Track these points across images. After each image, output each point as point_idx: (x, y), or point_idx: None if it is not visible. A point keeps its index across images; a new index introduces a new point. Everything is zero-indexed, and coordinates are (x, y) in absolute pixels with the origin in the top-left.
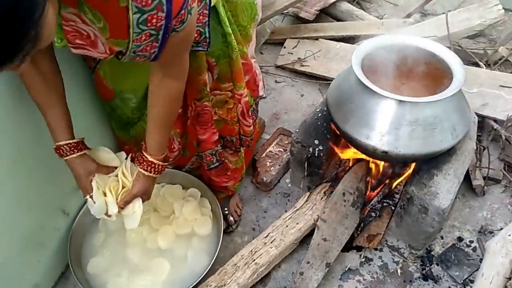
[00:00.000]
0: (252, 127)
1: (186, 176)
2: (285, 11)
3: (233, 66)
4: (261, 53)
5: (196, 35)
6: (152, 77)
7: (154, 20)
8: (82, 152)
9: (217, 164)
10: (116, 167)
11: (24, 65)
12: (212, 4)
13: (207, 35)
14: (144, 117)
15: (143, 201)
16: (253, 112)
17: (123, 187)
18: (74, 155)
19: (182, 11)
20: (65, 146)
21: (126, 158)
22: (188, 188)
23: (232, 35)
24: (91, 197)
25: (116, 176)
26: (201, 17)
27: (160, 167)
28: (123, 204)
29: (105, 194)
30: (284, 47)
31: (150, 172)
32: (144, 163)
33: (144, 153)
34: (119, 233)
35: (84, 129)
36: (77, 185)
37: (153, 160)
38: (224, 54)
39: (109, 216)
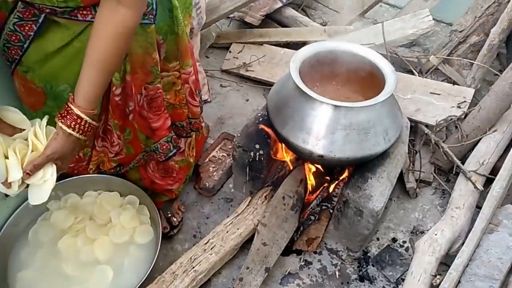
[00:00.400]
0: (199, 108)
1: (124, 182)
2: (231, 16)
3: (179, 43)
4: (207, 57)
5: None
6: (101, 11)
7: None
8: None
9: (174, 151)
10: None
11: None
12: None
13: (154, 6)
14: None
15: (57, 171)
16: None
17: (32, 151)
18: None
19: None
20: None
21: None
22: (126, 195)
23: (179, 9)
24: None
25: (25, 139)
26: None
27: (88, 126)
28: (32, 169)
29: (6, 157)
30: (230, 52)
31: (74, 129)
32: (68, 116)
33: (70, 105)
34: (51, 245)
35: None
36: None
37: (80, 114)
38: (171, 30)
39: (9, 186)
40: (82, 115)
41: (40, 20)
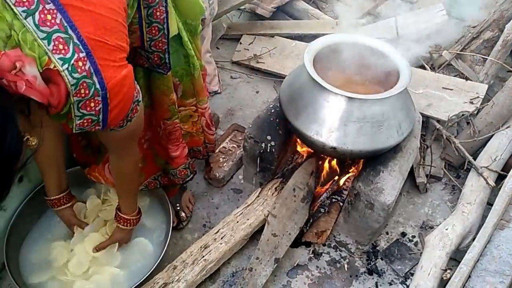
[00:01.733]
0: (214, 135)
1: None
2: (242, 7)
3: (196, 84)
4: (217, 48)
5: (156, 58)
6: (109, 155)
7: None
8: (67, 205)
9: (191, 176)
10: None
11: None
12: (173, 34)
13: (166, 60)
14: None
15: (120, 246)
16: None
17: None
18: (60, 208)
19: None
20: (55, 200)
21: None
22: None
23: (195, 57)
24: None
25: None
26: (160, 44)
27: (135, 221)
28: (100, 248)
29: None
30: (241, 43)
31: (127, 226)
32: (121, 221)
33: (121, 214)
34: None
35: None
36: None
37: (127, 217)
38: (186, 72)
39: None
40: (128, 217)
41: None
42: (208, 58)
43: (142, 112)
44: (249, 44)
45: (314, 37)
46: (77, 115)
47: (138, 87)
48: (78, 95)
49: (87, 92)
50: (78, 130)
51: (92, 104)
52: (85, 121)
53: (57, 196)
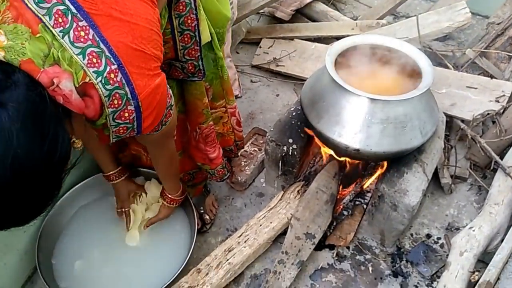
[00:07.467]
0: (242, 131)
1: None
2: (261, 11)
3: (224, 85)
4: (237, 52)
5: (190, 67)
6: (147, 148)
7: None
8: (124, 176)
9: (228, 174)
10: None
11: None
12: (206, 41)
13: (201, 67)
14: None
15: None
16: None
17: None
18: (119, 180)
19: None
20: (113, 174)
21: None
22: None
23: (223, 59)
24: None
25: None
26: (193, 52)
27: (179, 200)
28: (148, 224)
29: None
30: (260, 47)
31: (172, 204)
32: (167, 199)
33: (168, 195)
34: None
35: None
36: (117, 201)
37: (172, 197)
38: (216, 76)
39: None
40: (174, 197)
41: None
42: (228, 62)
43: (175, 114)
44: (268, 48)
45: (333, 39)
46: (112, 124)
47: (170, 92)
48: (112, 106)
49: (120, 102)
50: (115, 138)
51: (126, 114)
52: (120, 129)
53: (113, 172)
